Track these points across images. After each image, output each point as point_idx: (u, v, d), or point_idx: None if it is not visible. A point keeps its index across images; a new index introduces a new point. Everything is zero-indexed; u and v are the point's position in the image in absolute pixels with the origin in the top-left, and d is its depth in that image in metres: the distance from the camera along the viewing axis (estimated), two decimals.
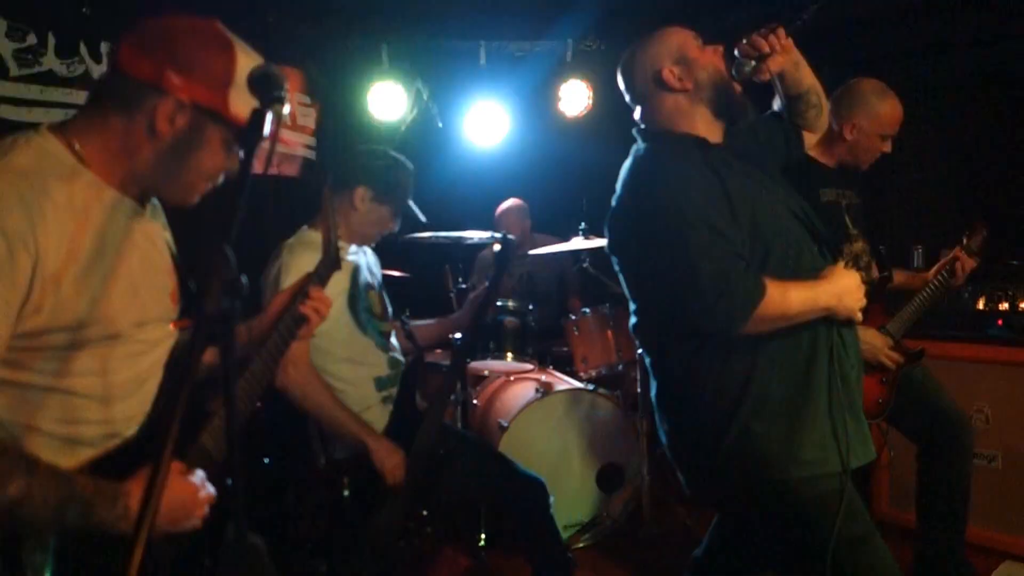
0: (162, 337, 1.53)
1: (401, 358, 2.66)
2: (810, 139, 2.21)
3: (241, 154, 1.13)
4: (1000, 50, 4.10)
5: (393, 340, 2.68)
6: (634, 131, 2.02)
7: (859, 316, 1.80)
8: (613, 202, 1.93)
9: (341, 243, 2.50)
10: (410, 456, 2.42)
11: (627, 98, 2.05)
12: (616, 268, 1.97)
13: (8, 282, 1.21)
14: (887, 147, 2.73)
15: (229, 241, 1.01)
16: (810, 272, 1.80)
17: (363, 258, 2.67)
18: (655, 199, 1.78)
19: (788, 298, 1.72)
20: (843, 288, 1.77)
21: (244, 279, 1.00)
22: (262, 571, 1.84)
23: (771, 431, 1.74)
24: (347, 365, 2.49)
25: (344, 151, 2.90)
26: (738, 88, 1.90)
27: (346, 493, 2.39)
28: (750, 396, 1.76)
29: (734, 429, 1.75)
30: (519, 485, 2.68)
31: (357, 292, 2.52)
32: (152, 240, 1.52)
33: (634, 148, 1.99)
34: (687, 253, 1.70)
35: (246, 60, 1.40)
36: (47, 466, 1.23)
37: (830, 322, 1.79)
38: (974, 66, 4.24)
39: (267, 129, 1.18)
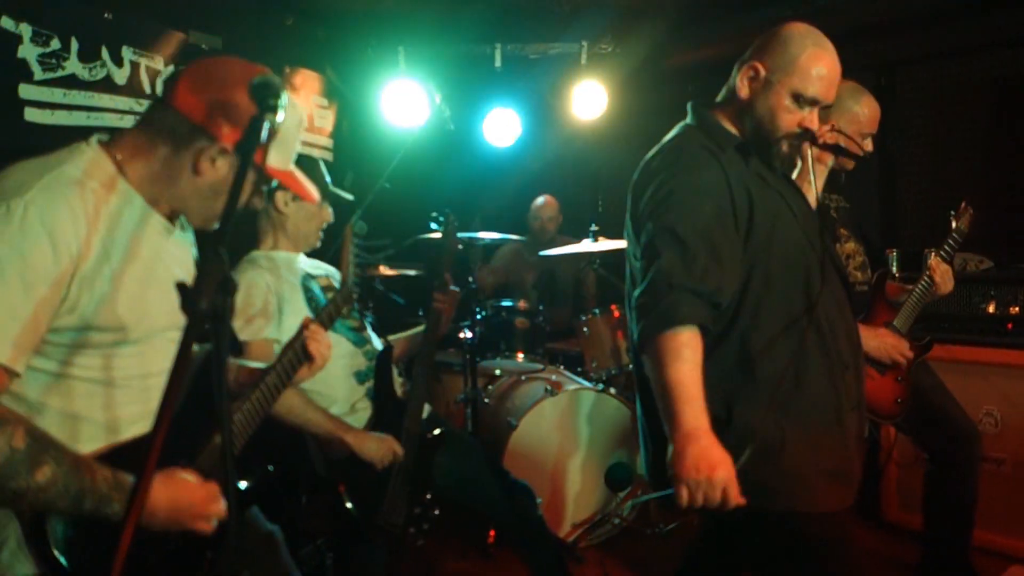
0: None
1: (379, 347, 2.65)
2: None
3: (238, 160, 1.18)
4: (1018, 54, 4.09)
5: (370, 333, 2.67)
6: (690, 104, 1.93)
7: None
8: (638, 170, 1.87)
9: (284, 253, 2.53)
10: (402, 443, 2.45)
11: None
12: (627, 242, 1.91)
13: (53, 284, 1.31)
14: (869, 146, 2.69)
15: (223, 242, 1.06)
16: (807, 301, 1.75)
17: (317, 268, 2.65)
18: (673, 188, 1.72)
19: (680, 368, 1.55)
20: (704, 458, 1.50)
21: (236, 278, 1.05)
22: (278, 559, 1.89)
23: (783, 456, 1.69)
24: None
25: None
26: (785, 149, 1.81)
27: (347, 503, 2.43)
28: (743, 421, 1.69)
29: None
30: (508, 492, 2.70)
31: (314, 297, 2.51)
32: (176, 253, 1.60)
33: (682, 123, 1.92)
34: (663, 249, 1.66)
35: (292, 115, 1.51)
36: (73, 456, 1.30)
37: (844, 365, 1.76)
38: (990, 70, 4.22)
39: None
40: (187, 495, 1.41)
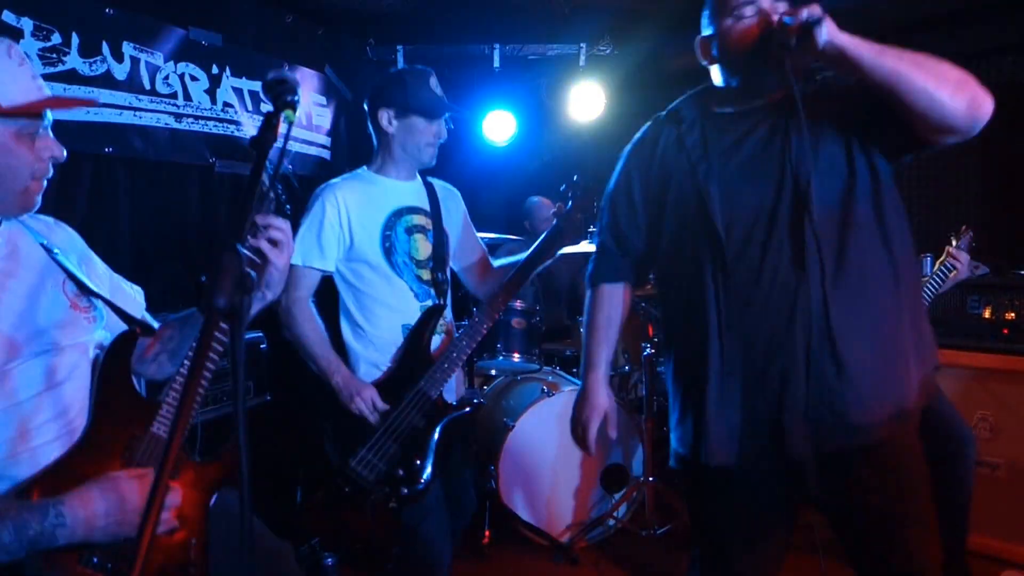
0: (63, 346, 1.54)
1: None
2: None
3: (254, 156, 1.17)
4: (1017, 61, 4.13)
5: (437, 291, 2.46)
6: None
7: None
8: None
9: (390, 179, 2.49)
10: (407, 403, 2.32)
11: None
12: None
13: None
14: None
15: (240, 240, 1.06)
16: (689, 264, 1.77)
17: (419, 196, 2.54)
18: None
19: (593, 316, 2.08)
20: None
21: (253, 275, 1.04)
22: (288, 572, 1.88)
23: (677, 409, 1.89)
24: (381, 307, 2.39)
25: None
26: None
27: (325, 444, 2.37)
28: (670, 373, 1.93)
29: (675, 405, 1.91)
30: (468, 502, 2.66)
31: (395, 234, 2.41)
32: (19, 257, 1.53)
33: None
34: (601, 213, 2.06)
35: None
36: None
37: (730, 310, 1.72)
38: (989, 76, 4.25)
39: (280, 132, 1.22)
40: (129, 495, 1.37)
